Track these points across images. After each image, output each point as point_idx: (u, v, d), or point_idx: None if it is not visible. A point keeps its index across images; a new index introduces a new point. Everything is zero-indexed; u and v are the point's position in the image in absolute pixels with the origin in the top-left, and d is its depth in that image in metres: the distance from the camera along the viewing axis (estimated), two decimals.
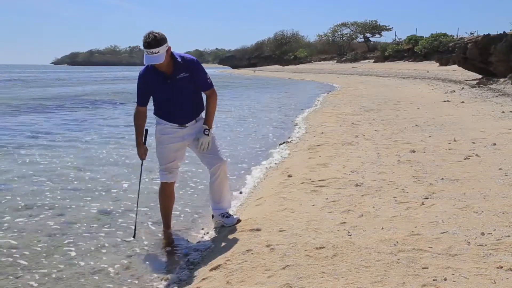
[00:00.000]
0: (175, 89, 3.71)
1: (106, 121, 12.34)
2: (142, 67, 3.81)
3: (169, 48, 3.58)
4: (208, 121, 3.85)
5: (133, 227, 3.98)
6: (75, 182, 5.76)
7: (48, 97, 20.54)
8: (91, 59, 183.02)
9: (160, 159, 3.91)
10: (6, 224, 4.28)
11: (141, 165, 3.99)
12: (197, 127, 3.87)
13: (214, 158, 3.86)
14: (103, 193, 5.30)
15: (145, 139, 3.90)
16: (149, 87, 3.76)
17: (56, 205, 4.84)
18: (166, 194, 4.01)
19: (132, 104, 3.96)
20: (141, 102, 3.83)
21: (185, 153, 4.05)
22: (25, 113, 14.13)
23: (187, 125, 3.83)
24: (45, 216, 4.51)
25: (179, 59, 3.69)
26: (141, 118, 3.87)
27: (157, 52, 3.46)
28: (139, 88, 3.80)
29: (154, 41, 3.45)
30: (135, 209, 4.06)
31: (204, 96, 3.94)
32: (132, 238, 3.92)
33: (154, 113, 3.90)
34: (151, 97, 3.85)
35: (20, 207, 4.79)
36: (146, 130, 3.91)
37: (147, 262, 3.51)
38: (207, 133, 3.79)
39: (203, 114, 3.94)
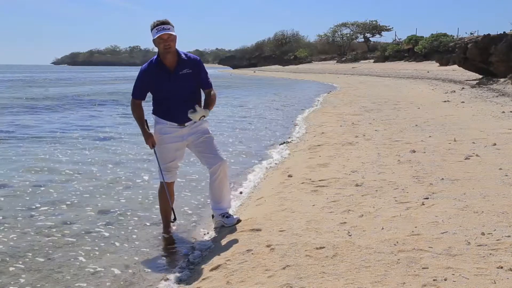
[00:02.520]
0: (176, 85, 3.72)
1: (121, 119, 12.54)
2: (145, 63, 3.84)
3: (176, 37, 3.65)
4: (209, 105, 3.82)
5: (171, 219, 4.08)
6: (77, 182, 5.76)
7: (56, 97, 20.88)
8: (91, 59, 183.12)
9: (160, 158, 3.91)
10: (7, 223, 4.28)
11: (154, 153, 3.98)
12: (196, 127, 3.87)
13: (214, 158, 3.86)
14: (105, 192, 5.30)
15: (148, 128, 3.91)
16: (150, 82, 3.78)
17: (57, 204, 4.84)
18: (166, 194, 4.00)
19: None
20: (138, 95, 3.86)
21: (184, 153, 4.05)
22: (39, 112, 14.38)
23: (186, 124, 3.83)
24: (45, 215, 4.51)
25: (183, 56, 3.74)
26: (139, 109, 3.88)
27: (168, 28, 3.58)
28: (139, 81, 3.82)
29: (166, 20, 3.62)
30: (167, 194, 4.06)
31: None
32: (173, 221, 4.07)
33: (153, 113, 3.90)
34: (151, 95, 3.87)
35: (20, 206, 4.78)
36: (146, 121, 3.91)
37: (147, 262, 3.51)
38: (205, 108, 3.77)
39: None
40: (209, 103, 3.83)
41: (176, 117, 3.81)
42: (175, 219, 4.05)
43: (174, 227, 4.17)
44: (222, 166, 3.86)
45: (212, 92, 3.89)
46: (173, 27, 3.63)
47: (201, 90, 3.93)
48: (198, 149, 3.91)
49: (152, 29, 3.62)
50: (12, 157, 7.30)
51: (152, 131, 3.91)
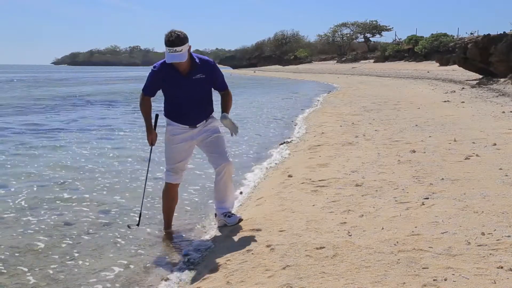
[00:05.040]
0: (189, 89, 3.71)
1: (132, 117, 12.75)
2: (157, 62, 3.79)
3: (190, 47, 3.61)
4: (226, 109, 3.84)
5: (137, 216, 4.05)
6: (77, 181, 5.76)
7: (61, 96, 21.26)
8: (91, 59, 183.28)
9: (168, 159, 3.90)
10: (7, 223, 4.29)
11: (150, 151, 4.00)
12: (207, 125, 3.87)
13: (220, 158, 3.86)
14: (104, 192, 5.30)
15: (155, 125, 3.91)
16: (162, 83, 3.75)
17: (57, 205, 4.84)
18: (170, 195, 4.00)
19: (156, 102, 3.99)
20: (149, 92, 3.84)
21: (192, 152, 4.03)
22: (50, 111, 14.67)
23: (198, 125, 3.84)
24: (45, 216, 4.51)
25: (196, 60, 3.70)
26: (147, 106, 3.87)
27: (180, 51, 3.49)
28: (151, 80, 3.77)
29: (178, 39, 3.47)
30: (142, 196, 4.13)
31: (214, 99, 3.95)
32: (136, 226, 4.01)
33: (165, 115, 3.89)
34: (163, 97, 3.86)
35: (20, 205, 4.79)
36: (157, 116, 3.91)
37: (147, 262, 3.51)
38: (226, 116, 3.75)
39: (213, 114, 3.95)
40: (227, 107, 3.85)
41: (188, 120, 3.81)
42: (138, 225, 4.03)
43: (133, 226, 4.13)
44: (227, 167, 3.86)
45: (229, 95, 3.91)
46: (185, 44, 3.50)
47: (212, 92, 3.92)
48: (206, 148, 3.90)
49: (165, 42, 3.51)
50: (34, 152, 7.36)
51: (160, 130, 3.92)
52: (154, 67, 3.78)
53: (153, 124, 3.89)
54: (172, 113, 3.84)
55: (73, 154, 7.56)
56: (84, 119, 12.73)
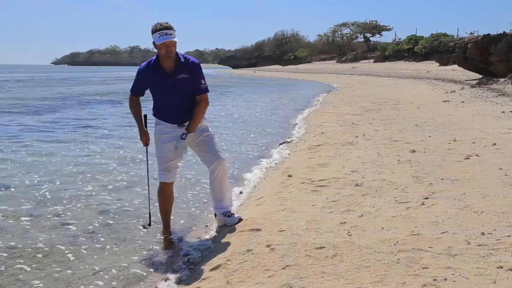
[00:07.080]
0: (173, 89, 3.74)
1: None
2: (143, 63, 3.85)
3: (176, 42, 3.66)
4: (190, 126, 3.80)
5: (148, 216, 4.09)
6: (79, 180, 5.75)
7: (67, 96, 21.50)
8: (91, 59, 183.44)
9: (159, 158, 3.92)
10: (7, 223, 4.28)
11: (146, 151, 4.05)
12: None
13: (212, 157, 3.88)
14: (104, 192, 5.29)
15: (145, 124, 3.96)
16: (147, 82, 3.82)
17: (56, 204, 4.84)
18: (165, 195, 4.01)
19: (145, 102, 4.03)
20: (136, 92, 3.91)
21: (184, 152, 4.04)
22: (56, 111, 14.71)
23: (185, 124, 3.84)
24: (46, 214, 4.51)
25: (182, 59, 3.73)
26: (136, 105, 3.95)
27: (171, 34, 3.58)
28: (137, 80, 3.86)
29: (169, 25, 3.60)
30: (148, 196, 4.17)
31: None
32: (148, 226, 4.06)
33: (153, 114, 3.92)
34: (152, 97, 3.89)
35: (21, 204, 4.78)
36: (145, 116, 3.97)
37: (147, 262, 3.51)
38: (184, 137, 3.78)
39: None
40: (196, 118, 3.79)
41: (175, 119, 3.84)
42: (149, 224, 4.05)
43: (147, 229, 4.13)
44: (220, 165, 3.87)
45: (204, 102, 3.82)
46: (175, 31, 3.63)
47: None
48: (197, 147, 3.93)
49: (153, 32, 3.59)
50: (50, 149, 7.33)
51: (152, 129, 3.93)
52: (140, 67, 3.85)
53: (143, 124, 3.94)
54: (159, 112, 3.89)
55: (88, 151, 7.68)
56: (93, 118, 12.88)
